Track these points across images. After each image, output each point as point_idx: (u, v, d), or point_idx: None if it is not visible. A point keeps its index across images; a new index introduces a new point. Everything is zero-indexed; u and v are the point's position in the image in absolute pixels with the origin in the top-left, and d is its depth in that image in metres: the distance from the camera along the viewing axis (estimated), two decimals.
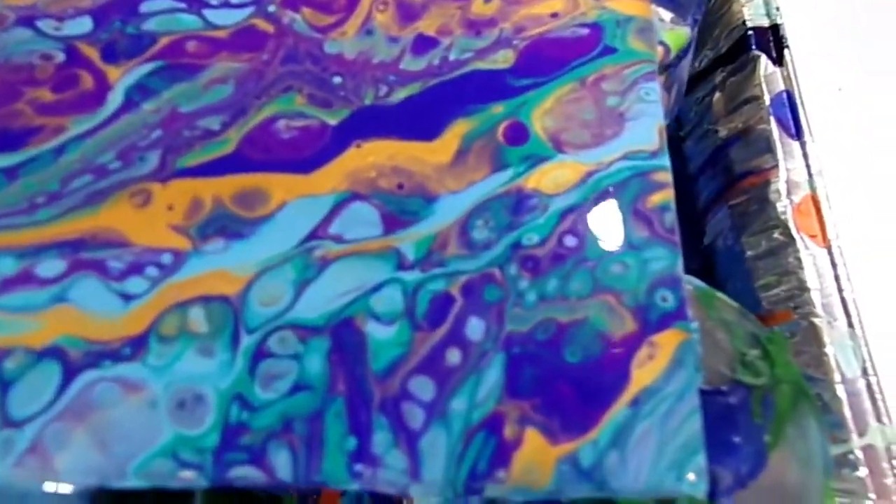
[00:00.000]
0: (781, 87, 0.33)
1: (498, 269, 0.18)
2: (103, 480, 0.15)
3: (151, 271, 0.17)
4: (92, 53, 0.20)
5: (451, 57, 0.20)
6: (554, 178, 0.19)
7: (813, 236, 0.30)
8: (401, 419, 0.16)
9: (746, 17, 0.34)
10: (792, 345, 0.29)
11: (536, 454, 0.16)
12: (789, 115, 0.32)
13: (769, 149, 0.32)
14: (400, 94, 0.20)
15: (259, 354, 0.16)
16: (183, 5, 0.21)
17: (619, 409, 0.16)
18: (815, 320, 0.28)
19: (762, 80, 0.33)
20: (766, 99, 0.33)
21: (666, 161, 0.19)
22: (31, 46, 0.20)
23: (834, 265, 0.29)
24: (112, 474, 0.15)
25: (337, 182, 0.18)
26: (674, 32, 0.24)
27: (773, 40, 0.34)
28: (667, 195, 0.19)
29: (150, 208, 0.18)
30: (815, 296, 0.29)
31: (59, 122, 0.19)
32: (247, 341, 0.16)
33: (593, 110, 0.20)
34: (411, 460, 0.16)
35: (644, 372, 0.16)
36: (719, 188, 0.35)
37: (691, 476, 0.16)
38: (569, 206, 0.18)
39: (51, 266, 0.17)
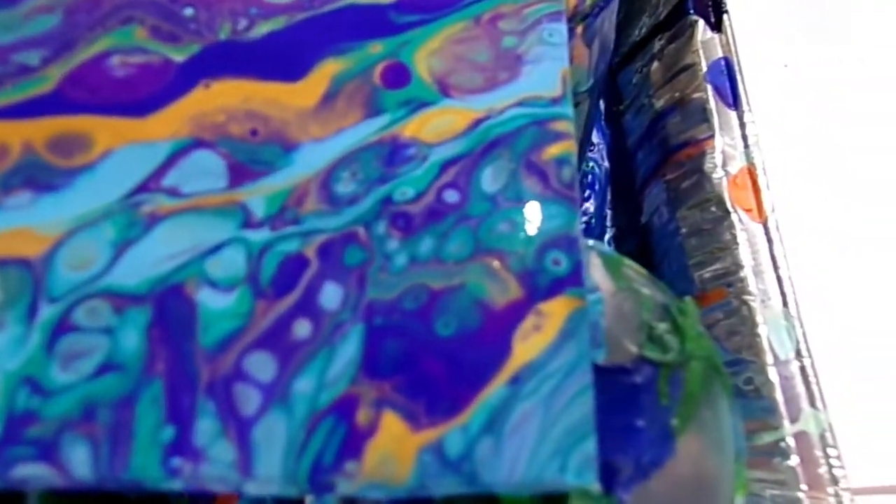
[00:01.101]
0: (720, 53, 0.31)
1: (363, 227, 0.15)
2: None
3: None
4: None
5: None
6: (436, 125, 0.16)
7: (748, 210, 0.28)
8: (231, 404, 0.13)
9: None
10: (725, 325, 0.28)
11: (394, 443, 0.13)
12: (727, 84, 0.31)
13: (705, 118, 0.30)
14: (262, 29, 0.17)
15: (60, 328, 0.14)
16: None
17: (495, 389, 0.14)
18: (748, 298, 0.27)
19: (699, 46, 0.31)
20: (703, 66, 0.31)
21: (568, 110, 0.17)
22: None
23: (770, 241, 0.28)
24: None
25: (177, 127, 0.16)
26: None
27: (711, 4, 0.32)
28: (566, 147, 0.16)
29: None
30: (749, 273, 0.27)
31: None
32: (47, 312, 0.14)
33: (487, 51, 0.17)
34: (241, 452, 0.13)
35: (528, 345, 0.14)
36: (656, 162, 0.33)
37: (578, 465, 0.13)
38: (451, 157, 0.16)
39: None
